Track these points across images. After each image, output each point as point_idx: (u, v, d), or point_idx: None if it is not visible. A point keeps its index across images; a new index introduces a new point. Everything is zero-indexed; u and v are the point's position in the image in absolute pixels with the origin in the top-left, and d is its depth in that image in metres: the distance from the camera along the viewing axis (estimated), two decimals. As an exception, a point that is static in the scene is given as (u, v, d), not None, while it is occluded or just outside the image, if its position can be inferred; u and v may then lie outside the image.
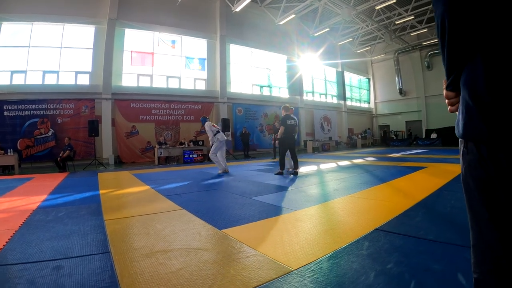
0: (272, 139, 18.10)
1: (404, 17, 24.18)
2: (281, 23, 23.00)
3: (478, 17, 0.90)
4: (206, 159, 16.78)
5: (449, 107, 1.17)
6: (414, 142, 28.14)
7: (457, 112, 1.09)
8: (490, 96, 0.89)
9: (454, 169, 8.73)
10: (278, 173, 9.07)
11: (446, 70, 1.08)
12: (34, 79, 15.84)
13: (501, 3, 0.85)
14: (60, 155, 12.82)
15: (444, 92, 1.16)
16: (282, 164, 9.25)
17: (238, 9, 20.54)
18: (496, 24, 0.87)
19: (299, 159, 9.46)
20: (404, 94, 32.61)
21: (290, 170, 9.72)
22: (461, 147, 1.07)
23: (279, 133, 9.04)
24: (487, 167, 0.93)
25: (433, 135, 26.85)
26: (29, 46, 15.79)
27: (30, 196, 6.44)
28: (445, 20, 0.96)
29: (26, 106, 15.12)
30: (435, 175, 7.85)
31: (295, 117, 9.40)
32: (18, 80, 15.52)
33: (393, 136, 31.91)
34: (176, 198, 5.74)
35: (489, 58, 0.90)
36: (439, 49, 1.08)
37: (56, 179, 9.61)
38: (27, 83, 15.61)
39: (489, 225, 0.97)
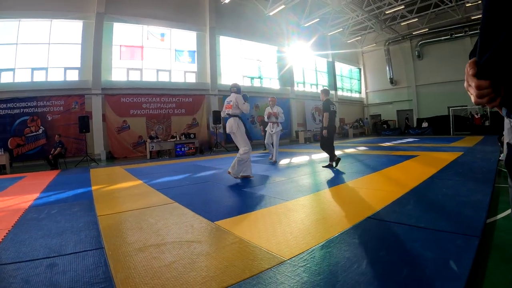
0: (261, 130, 18.08)
1: (394, 7, 24.12)
2: (271, 13, 22.85)
3: None
4: (198, 151, 16.78)
5: (477, 99, 0.87)
6: (406, 131, 28.30)
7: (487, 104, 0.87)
8: None
9: (446, 157, 8.81)
10: (329, 166, 8.12)
11: (480, 44, 0.83)
12: (23, 77, 15.60)
13: None
14: (51, 152, 12.71)
15: (475, 81, 0.86)
16: (333, 154, 8.16)
17: (227, 0, 20.44)
18: None
19: (291, 149, 9.47)
20: (395, 83, 32.70)
21: (271, 159, 10.00)
22: (507, 122, 0.89)
23: (324, 120, 7.97)
24: None
25: (424, 124, 27.04)
26: (16, 44, 15.49)
27: (23, 195, 6.40)
28: None
29: (15, 105, 14.90)
30: (426, 164, 7.91)
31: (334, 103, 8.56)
32: (7, 78, 15.27)
33: (384, 125, 32.04)
34: (169, 192, 5.74)
35: None
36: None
37: (48, 177, 9.54)
38: (16, 81, 15.38)
39: None
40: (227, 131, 6.90)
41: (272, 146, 10.44)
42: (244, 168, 6.66)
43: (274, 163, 9.73)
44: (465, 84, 0.91)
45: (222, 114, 7.16)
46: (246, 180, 6.70)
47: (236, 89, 6.93)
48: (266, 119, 10.02)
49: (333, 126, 8.15)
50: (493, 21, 0.77)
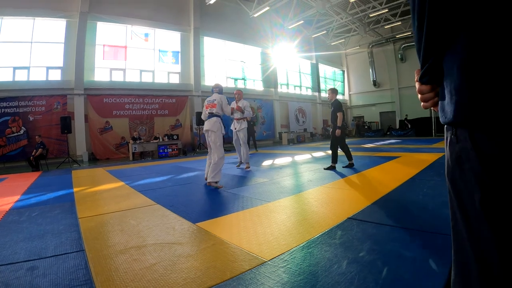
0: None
1: (378, 10, 24.39)
2: (255, 15, 22.90)
3: None
4: (181, 153, 16.69)
5: (422, 103, 0.99)
6: (388, 133, 28.63)
7: (433, 108, 0.97)
8: (489, 69, 0.71)
9: (427, 158, 8.96)
10: (330, 168, 7.89)
11: (422, 54, 0.89)
12: (4, 76, 15.29)
13: None
14: (33, 154, 12.49)
15: (417, 85, 0.97)
16: (349, 153, 8.10)
17: (212, 1, 20.41)
18: None
19: (274, 151, 9.44)
20: (378, 85, 33.14)
21: (242, 164, 9.23)
22: (447, 136, 0.89)
23: (338, 121, 7.75)
24: (486, 158, 0.74)
25: (405, 122, 27.48)
26: (-2, 42, 15.24)
27: (3, 197, 6.27)
28: None
29: (-4, 104, 14.65)
30: (408, 164, 8.03)
31: None
32: (-12, 77, 14.97)
33: (366, 126, 32.36)
34: (151, 193, 5.71)
35: (482, 27, 0.72)
36: (413, 28, 0.90)
37: (29, 178, 9.37)
38: (-4, 80, 15.09)
39: (488, 242, 0.74)
40: (207, 128, 6.47)
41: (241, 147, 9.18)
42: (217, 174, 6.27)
43: (247, 170, 8.67)
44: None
45: (203, 114, 6.77)
46: (227, 180, 6.71)
47: (219, 89, 6.72)
48: (231, 116, 7.65)
49: (343, 126, 8.05)
50: (434, 30, 0.83)
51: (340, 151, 8.13)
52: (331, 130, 8.16)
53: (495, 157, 0.72)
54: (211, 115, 6.48)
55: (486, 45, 0.71)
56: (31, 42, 15.97)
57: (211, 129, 6.35)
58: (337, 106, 7.88)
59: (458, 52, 0.78)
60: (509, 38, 0.67)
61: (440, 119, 0.90)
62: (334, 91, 8.11)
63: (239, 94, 8.95)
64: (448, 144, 0.88)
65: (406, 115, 28.24)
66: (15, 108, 14.96)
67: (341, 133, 7.86)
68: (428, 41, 0.85)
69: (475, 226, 0.77)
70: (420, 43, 0.88)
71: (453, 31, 0.79)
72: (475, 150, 0.76)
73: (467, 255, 0.80)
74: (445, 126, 0.89)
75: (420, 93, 0.97)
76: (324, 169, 7.91)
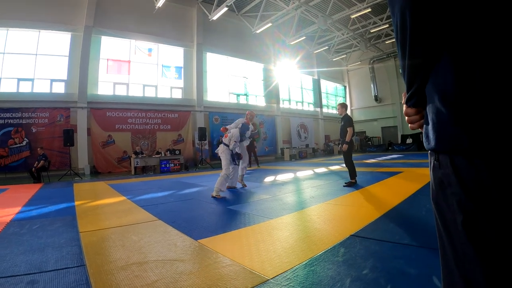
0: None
1: (379, 26, 24.69)
2: (258, 31, 23.14)
3: (447, 8, 0.75)
4: (183, 168, 16.68)
5: (409, 125, 1.04)
6: (389, 148, 28.58)
7: (420, 129, 1.00)
8: (468, 97, 0.75)
9: (429, 173, 8.89)
10: (349, 184, 7.66)
11: (406, 80, 0.92)
12: (8, 87, 15.44)
13: None
14: (35, 165, 12.53)
15: (404, 108, 1.01)
16: (353, 171, 7.80)
17: (215, 18, 20.66)
18: (469, 15, 0.73)
19: (276, 167, 9.40)
20: (380, 100, 33.25)
21: (235, 186, 8.29)
22: (431, 160, 0.94)
23: (348, 136, 7.65)
24: (466, 182, 0.78)
25: (409, 140, 27.42)
26: (4, 53, 15.39)
27: (4, 208, 6.28)
28: (405, 13, 0.81)
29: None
30: (410, 180, 8.01)
31: None
32: (-8, 88, 15.12)
33: (369, 142, 32.33)
34: (153, 209, 5.68)
35: (461, 55, 0.76)
36: (398, 54, 0.91)
37: (31, 190, 9.38)
38: (1, 91, 15.19)
39: (472, 261, 0.77)
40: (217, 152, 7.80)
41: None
42: (231, 181, 7.79)
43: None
44: None
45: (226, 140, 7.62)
46: (229, 196, 6.78)
47: (242, 125, 7.62)
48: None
49: (352, 142, 7.94)
50: (415, 60, 0.87)
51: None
52: (340, 145, 8.02)
53: (474, 181, 0.76)
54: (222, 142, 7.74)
55: (464, 76, 0.76)
56: (36, 54, 16.20)
57: (218, 153, 7.74)
58: (348, 121, 7.79)
59: (439, 82, 0.83)
60: (483, 73, 0.72)
61: (424, 145, 0.95)
62: (343, 106, 8.05)
63: (250, 115, 8.20)
64: (431, 169, 0.93)
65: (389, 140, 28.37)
66: (18, 119, 15.07)
67: (349, 148, 7.77)
68: (410, 69, 0.89)
69: (459, 247, 0.81)
70: (404, 69, 0.91)
71: (434, 60, 0.83)
72: (456, 175, 0.81)
73: (453, 274, 0.84)
74: (429, 151, 0.94)
75: (406, 115, 1.02)
76: (344, 186, 7.63)
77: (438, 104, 0.83)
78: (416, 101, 0.95)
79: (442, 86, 0.81)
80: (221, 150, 7.64)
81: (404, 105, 1.01)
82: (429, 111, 0.88)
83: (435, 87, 0.84)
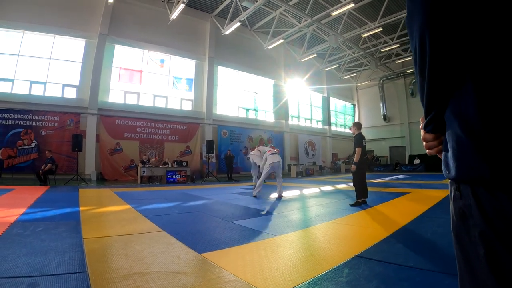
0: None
1: (389, 45, 24.87)
2: (269, 47, 23.41)
3: (470, 29, 0.72)
4: (189, 180, 16.68)
5: (427, 150, 1.00)
6: (397, 168, 28.41)
7: (438, 155, 0.97)
8: (492, 126, 0.71)
9: (437, 195, 8.85)
10: (355, 204, 7.53)
11: (425, 105, 0.89)
12: (20, 89, 15.70)
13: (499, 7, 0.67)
14: (42, 168, 12.65)
15: (422, 133, 0.99)
16: (360, 191, 7.62)
17: (227, 32, 20.89)
18: (494, 37, 0.69)
19: (283, 184, 9.37)
20: (388, 120, 33.21)
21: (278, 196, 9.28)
22: (451, 190, 0.88)
23: (356, 156, 7.57)
24: (489, 214, 0.74)
25: (416, 161, 27.26)
26: (18, 55, 15.70)
27: (9, 208, 6.33)
28: (425, 36, 0.78)
29: (10, 115, 14.94)
30: (417, 201, 7.93)
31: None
32: (5, 88, 15.36)
33: (376, 161, 32.18)
34: (157, 219, 5.67)
35: (484, 81, 0.72)
36: (416, 78, 0.88)
37: (37, 192, 9.45)
38: (13, 92, 15.47)
39: None
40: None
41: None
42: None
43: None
44: None
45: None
46: (235, 211, 6.79)
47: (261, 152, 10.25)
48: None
49: (363, 162, 7.74)
50: (435, 85, 0.83)
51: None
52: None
53: (497, 214, 0.72)
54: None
55: (488, 104, 0.72)
56: (50, 59, 16.54)
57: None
58: (357, 141, 7.65)
59: (460, 108, 0.79)
60: (508, 101, 0.68)
61: (443, 173, 0.91)
62: (356, 125, 7.93)
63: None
64: (452, 199, 0.88)
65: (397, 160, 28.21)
66: (28, 121, 15.31)
67: (358, 169, 7.59)
68: (430, 95, 0.86)
69: (481, 280, 0.77)
70: (422, 94, 0.88)
71: (454, 86, 0.79)
72: (478, 206, 0.76)
73: None
74: (449, 180, 0.89)
75: (424, 141, 0.99)
76: (350, 205, 7.52)
77: (459, 131, 0.79)
78: (434, 126, 0.92)
79: (464, 113, 0.77)
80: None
81: (422, 130, 0.98)
82: (449, 138, 0.84)
83: (455, 114, 0.81)
